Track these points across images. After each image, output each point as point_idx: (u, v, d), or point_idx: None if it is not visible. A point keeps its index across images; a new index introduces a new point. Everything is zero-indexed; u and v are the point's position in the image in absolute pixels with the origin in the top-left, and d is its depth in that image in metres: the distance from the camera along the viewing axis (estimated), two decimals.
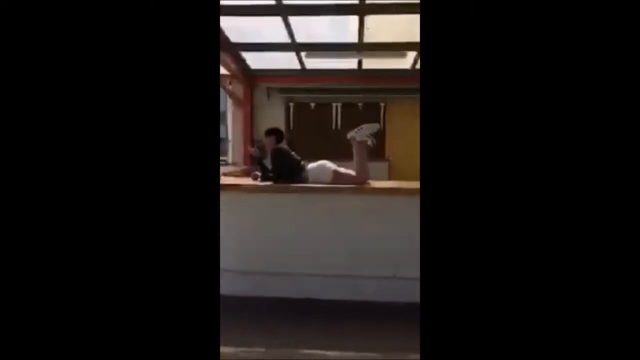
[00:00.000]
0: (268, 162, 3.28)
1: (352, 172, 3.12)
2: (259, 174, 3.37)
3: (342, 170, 3.15)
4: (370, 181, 3.11)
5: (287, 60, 5.71)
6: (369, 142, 3.12)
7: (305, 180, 3.10)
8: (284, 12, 4.17)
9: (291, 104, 6.63)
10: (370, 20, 4.35)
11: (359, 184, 3.03)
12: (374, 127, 3.17)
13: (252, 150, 3.48)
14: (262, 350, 2.29)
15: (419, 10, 1.18)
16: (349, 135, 3.14)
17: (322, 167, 3.15)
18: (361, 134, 3.09)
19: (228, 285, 3.05)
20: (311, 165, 3.18)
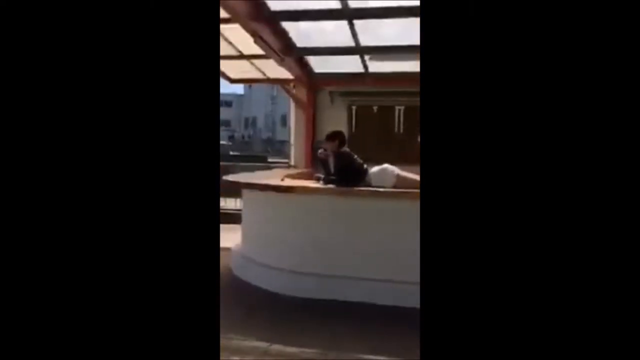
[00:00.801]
0: (331, 166, 3.30)
1: (417, 177, 3.06)
2: (321, 176, 3.40)
3: (405, 174, 3.10)
4: None
5: (350, 64, 5.70)
6: None
7: (368, 184, 3.08)
8: (349, 15, 4.17)
9: (354, 107, 6.62)
10: None
11: None
12: None
13: (321, 152, 3.46)
14: (321, 351, 2.30)
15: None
16: (420, 138, 3.07)
17: (385, 170, 3.12)
18: None
19: (288, 285, 3.10)
20: (374, 170, 3.16)
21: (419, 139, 3.10)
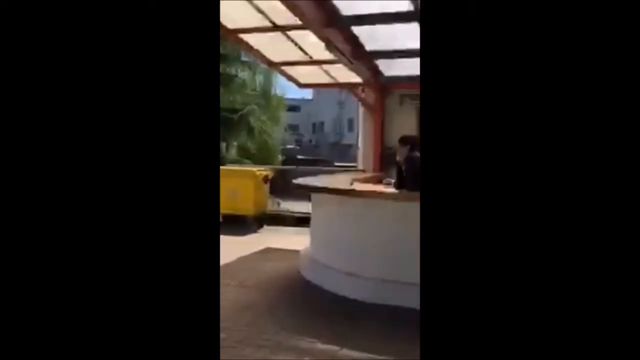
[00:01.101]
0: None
1: None
2: (392, 180, 3.35)
3: None
4: None
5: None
6: None
7: None
8: (419, 17, 4.10)
9: None
10: None
11: None
12: None
13: (400, 155, 3.37)
14: (390, 358, 2.26)
15: None
16: None
17: None
18: None
19: (359, 290, 3.08)
20: None
21: None
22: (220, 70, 11.09)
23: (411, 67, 5.68)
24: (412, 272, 2.92)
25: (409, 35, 4.56)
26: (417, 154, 3.21)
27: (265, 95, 14.97)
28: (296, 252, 4.15)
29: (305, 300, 3.17)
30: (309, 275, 3.62)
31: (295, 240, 4.85)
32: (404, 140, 3.30)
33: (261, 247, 4.87)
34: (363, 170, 6.64)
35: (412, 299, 2.89)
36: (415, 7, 3.89)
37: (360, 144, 7.40)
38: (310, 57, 5.39)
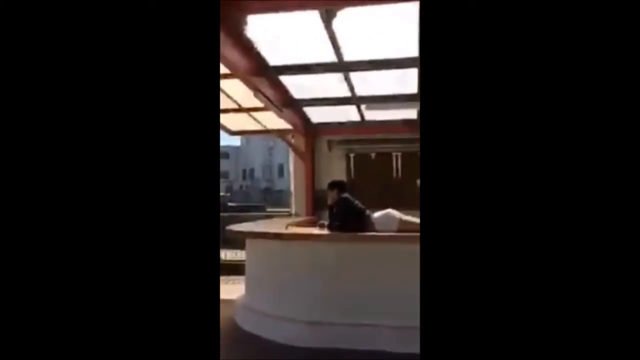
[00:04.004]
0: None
1: (418, 220, 3.09)
2: (325, 223, 3.43)
3: (407, 218, 3.14)
4: None
5: (347, 113, 5.89)
6: None
7: (372, 229, 3.11)
8: (345, 68, 4.36)
9: (352, 155, 6.74)
10: None
11: None
12: None
13: (330, 199, 3.47)
14: None
15: None
16: (419, 182, 3.14)
17: (388, 215, 3.16)
18: None
19: (297, 334, 3.04)
20: (377, 215, 3.20)
21: (417, 184, 3.16)
22: None
23: (338, 113, 5.96)
24: (349, 312, 2.97)
25: (335, 84, 4.82)
26: (346, 195, 3.33)
27: None
28: (231, 301, 4.02)
29: (241, 350, 3.05)
30: (245, 324, 3.51)
31: (229, 288, 4.70)
32: (332, 185, 3.46)
33: None
34: (297, 215, 6.68)
35: (349, 340, 2.92)
36: (339, 59, 4.14)
37: (292, 189, 7.47)
38: (239, 105, 5.47)
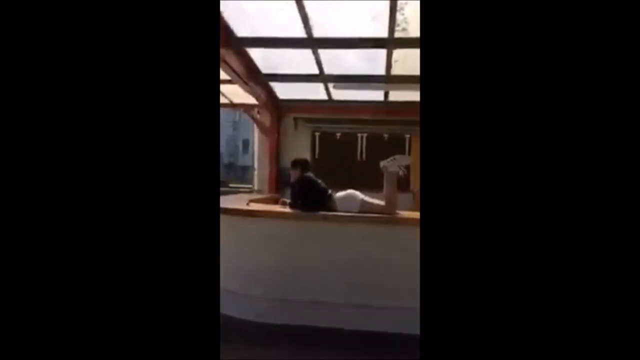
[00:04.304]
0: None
1: (380, 202, 3.12)
2: (287, 200, 3.40)
3: (369, 199, 3.16)
4: (398, 211, 3.10)
5: (314, 91, 5.83)
6: (400, 173, 3.13)
7: (333, 209, 3.11)
8: (314, 45, 4.29)
9: (317, 134, 6.72)
10: (398, 53, 4.43)
11: (387, 213, 3.02)
12: (406, 159, 3.19)
13: (293, 177, 3.43)
14: None
15: None
16: (382, 164, 3.16)
17: (350, 196, 3.17)
18: (393, 164, 3.12)
19: (257, 311, 3.04)
20: (339, 195, 3.20)
21: (380, 165, 3.18)
22: None
23: (305, 91, 5.89)
24: (309, 290, 2.99)
25: (303, 61, 4.74)
26: (310, 174, 3.31)
27: None
28: None
29: None
30: None
31: None
32: (295, 163, 3.42)
33: None
34: (259, 191, 6.63)
35: (307, 317, 2.95)
36: (308, 35, 4.07)
37: (256, 165, 7.39)
38: None
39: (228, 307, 3.16)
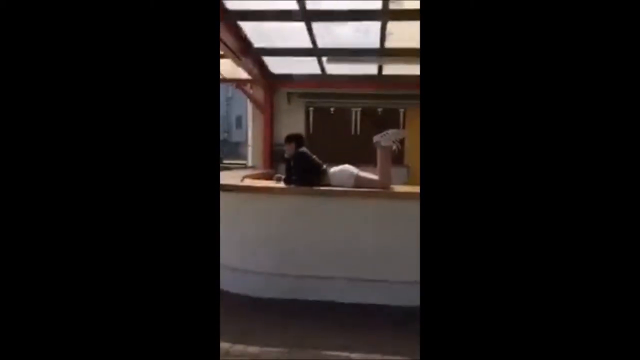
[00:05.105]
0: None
1: (374, 177, 3.14)
2: (282, 176, 3.41)
3: (364, 174, 3.17)
4: (392, 186, 3.12)
5: (308, 65, 5.76)
6: (394, 148, 3.13)
7: (328, 184, 3.13)
8: (307, 17, 4.21)
9: (311, 109, 6.67)
10: (393, 26, 4.37)
11: (382, 188, 3.04)
12: (399, 133, 3.19)
13: (287, 152, 3.42)
14: (285, 350, 2.31)
15: None
16: (375, 139, 3.16)
17: (345, 171, 3.17)
18: (386, 138, 3.11)
19: (252, 286, 3.09)
20: (333, 169, 3.21)
21: (374, 140, 3.18)
22: None
23: (298, 66, 5.82)
24: (303, 264, 3.02)
25: (296, 34, 4.67)
26: (304, 149, 3.30)
27: None
28: None
29: None
30: None
31: None
32: (289, 138, 3.40)
33: None
34: (253, 167, 6.62)
35: (305, 291, 3.00)
36: (301, 8, 3.99)
37: (249, 141, 7.35)
38: None
39: (222, 281, 3.20)
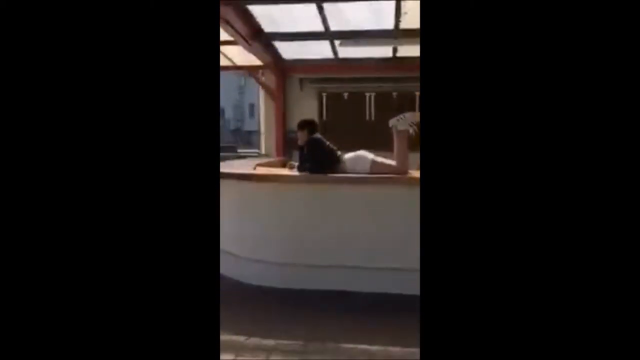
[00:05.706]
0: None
1: (391, 162, 3.02)
2: (295, 164, 3.32)
3: (380, 159, 3.06)
4: (411, 171, 3.00)
5: (320, 50, 5.62)
6: (411, 131, 3.00)
7: (343, 171, 3.02)
8: None
9: (324, 95, 6.54)
10: (408, 4, 4.20)
11: (399, 173, 2.92)
12: (416, 115, 3.05)
13: (301, 139, 3.30)
14: (301, 343, 2.24)
15: None
16: (391, 123, 3.03)
17: (360, 157, 3.07)
18: (403, 122, 2.99)
19: (264, 276, 3.02)
20: (348, 155, 3.10)
21: (390, 124, 3.06)
22: None
23: (310, 50, 5.68)
24: (319, 254, 2.95)
25: (307, 18, 4.53)
26: (317, 135, 3.20)
27: None
28: None
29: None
30: None
31: None
32: (302, 124, 3.28)
33: None
34: (266, 155, 6.55)
35: (317, 281, 2.92)
36: None
37: (262, 129, 7.28)
38: None
39: (235, 271, 3.15)
